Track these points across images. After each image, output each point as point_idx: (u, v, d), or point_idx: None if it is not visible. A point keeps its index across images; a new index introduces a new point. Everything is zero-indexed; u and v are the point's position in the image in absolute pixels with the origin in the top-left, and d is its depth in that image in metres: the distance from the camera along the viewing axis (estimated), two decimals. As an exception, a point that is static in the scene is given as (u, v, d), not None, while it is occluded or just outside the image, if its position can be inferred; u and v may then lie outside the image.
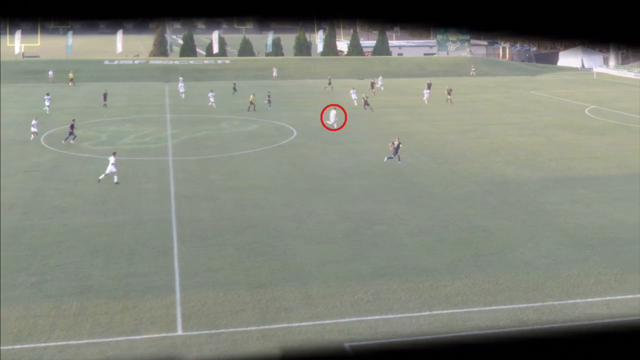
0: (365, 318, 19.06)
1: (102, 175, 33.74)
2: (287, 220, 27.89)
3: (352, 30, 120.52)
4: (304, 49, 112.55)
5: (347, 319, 18.99)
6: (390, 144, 39.43)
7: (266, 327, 18.56)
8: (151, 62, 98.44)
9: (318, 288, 20.98)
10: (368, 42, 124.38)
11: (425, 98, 64.10)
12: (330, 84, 73.94)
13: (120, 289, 20.88)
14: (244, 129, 50.34)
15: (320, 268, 22.64)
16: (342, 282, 21.47)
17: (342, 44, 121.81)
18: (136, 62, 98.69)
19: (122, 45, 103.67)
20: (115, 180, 33.43)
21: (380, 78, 78.83)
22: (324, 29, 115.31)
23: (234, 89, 70.88)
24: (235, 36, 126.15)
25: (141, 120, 54.17)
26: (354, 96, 61.61)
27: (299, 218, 28.21)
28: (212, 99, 61.06)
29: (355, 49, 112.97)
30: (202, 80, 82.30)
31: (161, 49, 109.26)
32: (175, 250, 24.39)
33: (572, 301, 20.21)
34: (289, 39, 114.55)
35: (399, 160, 38.32)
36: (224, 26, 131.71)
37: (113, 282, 21.43)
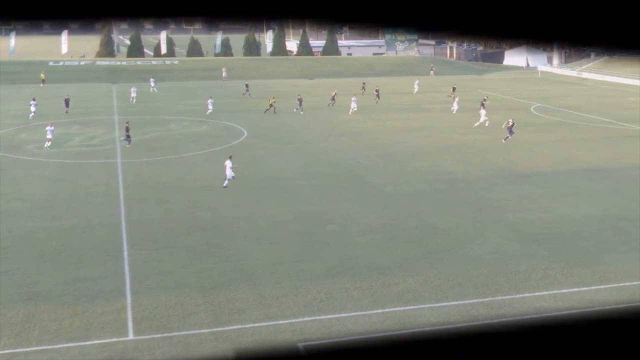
0: (318, 317, 19.10)
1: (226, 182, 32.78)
2: (238, 221, 27.76)
3: (301, 31, 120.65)
4: (253, 49, 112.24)
5: (301, 319, 19.00)
6: (505, 122, 45.38)
7: (219, 329, 18.44)
8: (98, 62, 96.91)
9: (271, 289, 20.94)
10: (317, 42, 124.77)
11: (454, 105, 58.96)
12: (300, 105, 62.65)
13: (69, 295, 20.48)
14: (194, 130, 49.92)
15: (272, 269, 22.60)
16: (295, 282, 21.47)
17: (292, 44, 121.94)
18: (82, 63, 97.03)
19: (67, 46, 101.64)
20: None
21: (416, 82, 74.91)
22: (274, 29, 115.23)
23: (247, 89, 70.04)
24: (183, 36, 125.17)
25: (88, 122, 53.22)
26: (353, 105, 57.89)
27: (251, 219, 28.11)
28: (210, 106, 57.57)
29: (305, 48, 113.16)
30: (147, 82, 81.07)
31: (108, 50, 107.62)
32: (126, 253, 24.04)
33: (520, 295, 20.59)
34: (238, 39, 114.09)
35: (506, 139, 44.32)
36: (172, 26, 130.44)
37: (61, 287, 21.01)
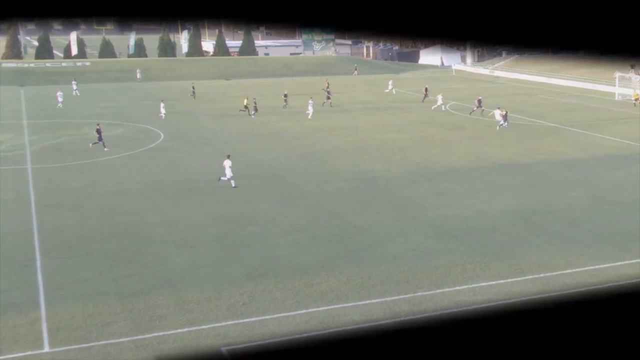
0: (241, 321, 18.89)
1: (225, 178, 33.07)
2: (157, 226, 27.19)
3: (217, 31, 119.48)
4: (168, 49, 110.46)
5: (224, 323, 18.74)
6: (500, 112, 50.20)
7: (140, 337, 17.97)
8: (4, 65, 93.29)
9: (192, 293, 20.57)
10: (234, 42, 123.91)
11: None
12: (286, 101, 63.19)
13: (-22, 308, 19.53)
14: (109, 134, 48.58)
15: (193, 273, 22.22)
16: (217, 285, 21.17)
17: (208, 44, 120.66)
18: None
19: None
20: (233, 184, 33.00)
21: (390, 82, 74.15)
22: (189, 30, 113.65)
23: (193, 91, 68.59)
24: (94, 37, 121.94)
25: (-4, 127, 51.10)
26: (310, 108, 56.23)
27: (170, 223, 27.58)
28: (163, 110, 55.67)
29: (221, 49, 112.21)
30: (60, 84, 78.67)
31: (14, 51, 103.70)
32: (38, 262, 23.14)
33: (441, 290, 20.94)
34: (152, 40, 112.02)
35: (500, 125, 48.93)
36: (82, 27, 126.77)
37: (-30, 300, 20.03)
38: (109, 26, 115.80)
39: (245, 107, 57.80)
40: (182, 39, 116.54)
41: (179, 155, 41.12)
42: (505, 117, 49.77)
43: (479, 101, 58.50)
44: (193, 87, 70.53)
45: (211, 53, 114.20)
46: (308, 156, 40.92)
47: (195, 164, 38.74)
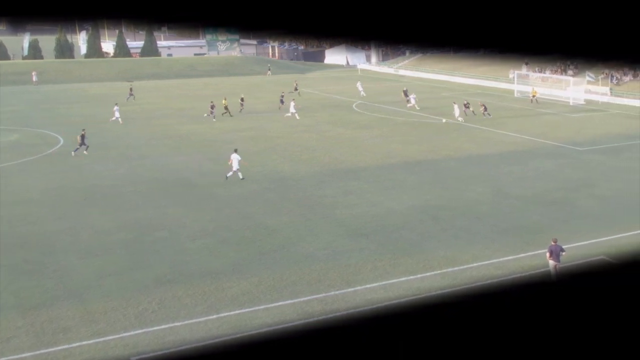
0: (151, 329, 18.35)
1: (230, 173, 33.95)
2: (60, 235, 26.12)
3: (117, 31, 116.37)
4: (65, 51, 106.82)
5: (132, 332, 18.16)
6: (480, 107, 55.76)
7: (43, 351, 17.17)
8: None
9: (98, 303, 19.84)
10: (135, 42, 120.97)
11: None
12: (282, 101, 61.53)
13: None
14: (4, 140, 46.51)
15: (99, 282, 21.44)
16: (124, 294, 20.50)
17: (108, 45, 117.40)
18: None
19: None
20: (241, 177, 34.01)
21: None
22: (87, 30, 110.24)
23: (130, 92, 66.39)
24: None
25: None
26: (292, 109, 55.61)
27: (73, 231, 26.55)
28: (117, 114, 53.53)
29: (122, 50, 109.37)
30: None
31: None
32: None
33: (352, 289, 21.03)
34: (48, 41, 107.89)
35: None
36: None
37: None
38: (1, 27, 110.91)
39: (226, 108, 56.66)
40: (80, 40, 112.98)
41: (81, 161, 39.73)
42: (485, 109, 55.64)
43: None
44: (131, 89, 69.21)
45: (111, 54, 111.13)
46: (216, 158, 40.36)
47: (98, 169, 37.51)
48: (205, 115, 55.15)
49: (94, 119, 56.07)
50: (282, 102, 60.15)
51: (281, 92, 64.29)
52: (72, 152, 40.93)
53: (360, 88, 71.57)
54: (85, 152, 40.95)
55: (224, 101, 57.29)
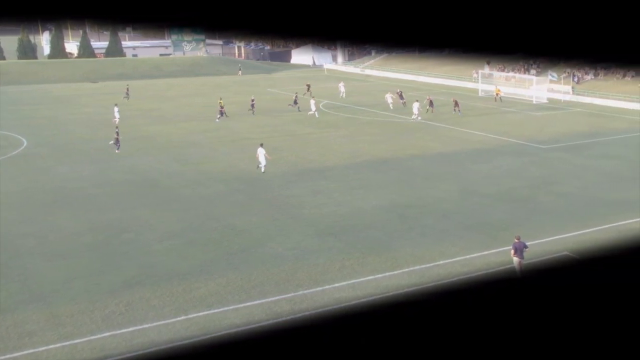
0: (118, 331, 18.26)
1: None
2: (26, 238, 25.80)
3: (81, 31, 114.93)
4: (28, 51, 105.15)
5: (99, 335, 18.05)
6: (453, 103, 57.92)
7: (8, 355, 16.99)
8: None
9: (65, 307, 19.67)
10: (100, 43, 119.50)
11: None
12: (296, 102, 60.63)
13: None
14: (-33, 141, 45.77)
15: (66, 285, 21.25)
16: (92, 296, 20.36)
17: (72, 46, 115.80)
18: None
19: None
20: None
21: (341, 84, 69.68)
22: (50, 30, 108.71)
23: (127, 93, 66.16)
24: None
25: None
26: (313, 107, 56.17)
27: (40, 234, 26.25)
28: (117, 114, 53.45)
29: (86, 50, 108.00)
30: None
31: None
32: None
33: (321, 288, 21.14)
34: (10, 41, 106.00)
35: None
36: None
37: None
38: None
39: (221, 107, 56.07)
40: (44, 41, 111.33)
41: (47, 163, 39.27)
42: (456, 104, 57.51)
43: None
44: (127, 89, 69.55)
45: (75, 55, 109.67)
46: (182, 159, 40.20)
47: (64, 171, 37.10)
48: (218, 117, 54.66)
49: (58, 120, 55.45)
50: (295, 102, 60.36)
51: (294, 93, 64.49)
52: (116, 150, 42.24)
53: (342, 89, 71.29)
54: (116, 150, 42.25)
55: (220, 101, 57.13)
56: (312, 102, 57.14)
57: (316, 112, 56.19)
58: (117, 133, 43.58)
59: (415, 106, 54.66)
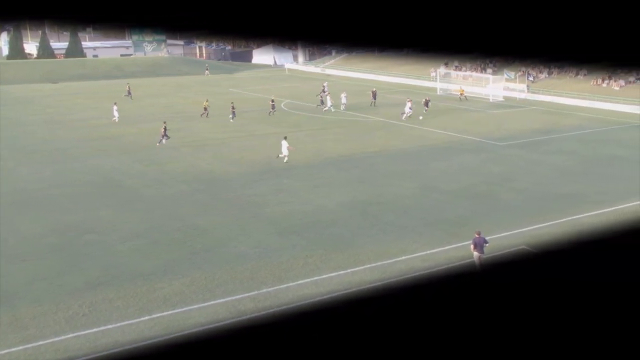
0: (82, 332, 18.26)
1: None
2: (-16, 240, 25.54)
3: (40, 32, 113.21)
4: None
5: (63, 337, 18.02)
6: (423, 100, 59.27)
7: (-29, 359, 16.90)
8: None
9: (27, 309, 19.58)
10: (59, 43, 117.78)
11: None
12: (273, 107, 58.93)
13: None
14: None
15: (27, 287, 21.14)
16: (54, 298, 20.30)
17: (31, 46, 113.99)
18: None
19: None
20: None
21: (326, 84, 70.22)
22: (8, 31, 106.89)
23: (128, 92, 66.17)
24: None
25: None
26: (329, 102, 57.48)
27: (0, 236, 26.03)
28: (116, 113, 54.47)
29: (46, 51, 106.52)
30: None
31: None
32: None
33: (284, 285, 21.36)
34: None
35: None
36: None
37: None
38: None
39: (205, 109, 56.31)
40: (2, 41, 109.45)
41: (6, 164, 38.79)
42: (427, 104, 58.66)
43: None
44: (129, 88, 69.72)
45: (35, 55, 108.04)
46: (145, 159, 40.03)
47: (24, 173, 36.71)
48: (231, 118, 54.42)
49: (18, 121, 54.69)
50: (322, 102, 62.17)
51: (316, 94, 65.75)
52: (157, 144, 43.89)
53: (344, 100, 70.16)
54: (163, 142, 44.01)
55: (205, 103, 57.14)
56: (328, 98, 60.46)
57: (332, 107, 59.36)
58: (165, 129, 44.68)
59: (407, 105, 55.07)
